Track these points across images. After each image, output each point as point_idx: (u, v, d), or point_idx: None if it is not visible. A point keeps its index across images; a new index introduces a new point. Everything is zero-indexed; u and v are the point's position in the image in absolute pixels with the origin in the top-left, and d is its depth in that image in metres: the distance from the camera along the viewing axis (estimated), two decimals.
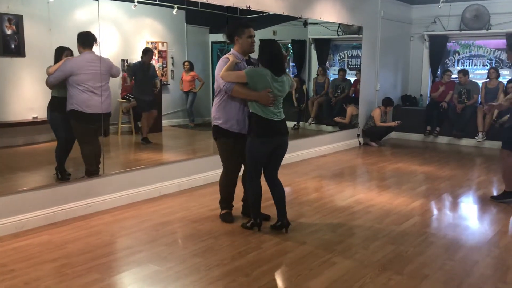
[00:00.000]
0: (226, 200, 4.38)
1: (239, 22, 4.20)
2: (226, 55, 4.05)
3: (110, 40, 6.68)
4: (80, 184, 4.58)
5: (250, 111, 3.92)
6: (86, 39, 4.60)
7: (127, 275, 3.27)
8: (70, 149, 4.78)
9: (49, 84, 4.53)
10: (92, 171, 4.68)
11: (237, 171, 4.29)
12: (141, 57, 6.78)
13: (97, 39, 4.66)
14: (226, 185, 4.32)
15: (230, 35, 4.12)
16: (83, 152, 4.69)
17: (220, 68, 3.96)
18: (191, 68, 7.98)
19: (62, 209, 4.36)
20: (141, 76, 6.79)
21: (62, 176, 4.73)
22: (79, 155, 4.74)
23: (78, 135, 4.67)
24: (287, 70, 4.28)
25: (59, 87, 4.56)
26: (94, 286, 3.06)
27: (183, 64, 7.97)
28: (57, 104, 4.64)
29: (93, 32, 4.66)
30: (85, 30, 4.70)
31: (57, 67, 4.47)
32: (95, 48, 4.69)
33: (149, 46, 7.45)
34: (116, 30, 6.93)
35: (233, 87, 3.89)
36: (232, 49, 4.15)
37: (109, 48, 6.48)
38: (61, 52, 4.65)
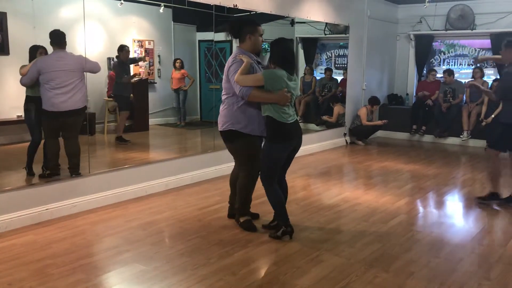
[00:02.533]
0: (247, 205, 4.13)
1: (249, 20, 4.00)
2: (238, 56, 3.79)
3: (96, 38, 6.61)
4: (65, 183, 4.53)
5: (264, 114, 3.73)
6: (56, 38, 4.61)
7: (113, 275, 3.25)
8: (57, 148, 4.74)
9: (22, 84, 4.56)
10: (50, 167, 4.64)
11: (258, 172, 3.99)
12: (118, 55, 6.68)
13: (65, 38, 4.63)
14: (250, 189, 4.05)
15: (239, 33, 3.86)
16: (44, 147, 4.69)
17: (234, 69, 3.72)
18: (182, 65, 7.95)
19: (47, 209, 4.31)
20: (122, 74, 6.74)
21: (29, 171, 4.69)
22: (66, 153, 4.72)
23: (44, 130, 4.70)
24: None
25: (32, 87, 4.57)
26: (79, 287, 3.04)
27: (174, 62, 7.93)
28: (28, 104, 4.64)
29: (63, 31, 4.65)
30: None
31: (29, 67, 4.49)
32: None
33: (136, 44, 7.39)
34: (102, 28, 6.85)
35: (251, 92, 3.64)
36: (238, 48, 3.91)
37: (95, 46, 6.42)
38: (35, 51, 4.65)
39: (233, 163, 4.22)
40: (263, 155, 3.80)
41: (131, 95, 6.91)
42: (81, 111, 4.75)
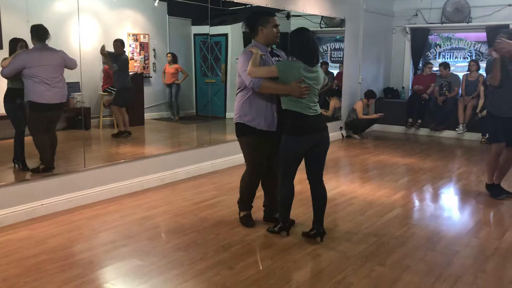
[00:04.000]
0: (247, 201, 4.08)
1: (263, 11, 3.92)
2: (249, 48, 3.73)
3: (90, 32, 6.57)
4: (60, 178, 4.51)
5: (283, 108, 3.61)
6: (38, 33, 4.61)
7: (109, 270, 3.24)
8: (49, 142, 4.75)
9: (3, 76, 4.55)
10: (47, 161, 4.64)
11: (263, 171, 3.95)
12: (123, 50, 6.69)
13: (49, 33, 4.64)
14: (250, 186, 3.99)
15: (252, 25, 3.78)
16: (37, 142, 4.68)
17: (244, 62, 3.64)
18: (174, 60, 7.90)
19: (42, 204, 4.29)
20: (127, 68, 6.82)
21: (23, 167, 4.70)
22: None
23: (32, 125, 4.69)
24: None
25: (13, 79, 4.57)
26: (76, 282, 3.03)
27: (166, 55, 7.88)
28: (12, 96, 4.64)
29: (45, 25, 4.66)
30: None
31: (11, 60, 4.49)
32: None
33: (131, 38, 7.35)
34: (97, 22, 6.80)
35: (262, 83, 3.56)
36: (253, 40, 3.82)
37: (89, 40, 6.38)
38: (15, 44, 4.65)
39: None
40: (280, 148, 3.69)
41: None
42: (66, 103, 4.85)
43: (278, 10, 7.26)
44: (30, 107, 4.57)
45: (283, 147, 3.65)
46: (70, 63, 4.79)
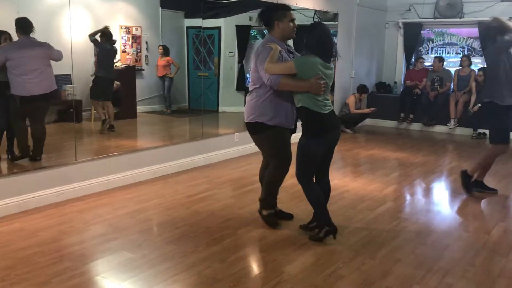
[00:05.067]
0: (272, 198, 3.93)
1: (279, 5, 3.85)
2: (267, 43, 3.60)
3: (81, 24, 6.51)
4: (52, 171, 4.49)
5: (298, 106, 3.50)
6: (22, 25, 4.61)
7: (101, 263, 3.24)
8: (27, 130, 4.76)
9: None
10: (21, 149, 4.66)
11: (289, 163, 3.80)
12: (114, 40, 6.64)
13: (33, 26, 4.62)
14: (278, 181, 3.85)
15: (268, 20, 3.68)
16: (13, 130, 4.69)
17: (264, 58, 3.52)
18: (165, 52, 7.86)
19: (33, 197, 4.27)
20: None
21: (12, 157, 4.71)
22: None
23: (12, 115, 4.67)
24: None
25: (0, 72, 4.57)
26: (67, 274, 3.02)
27: (158, 48, 7.85)
28: None
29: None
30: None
31: None
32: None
33: (123, 30, 7.31)
34: (88, 14, 6.75)
35: (280, 81, 3.44)
36: (268, 35, 3.72)
37: (80, 33, 6.32)
38: (0, 36, 4.64)
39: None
40: (298, 151, 3.55)
41: None
42: (53, 93, 4.79)
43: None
44: (13, 100, 4.56)
45: (303, 150, 3.52)
46: (55, 55, 4.76)
